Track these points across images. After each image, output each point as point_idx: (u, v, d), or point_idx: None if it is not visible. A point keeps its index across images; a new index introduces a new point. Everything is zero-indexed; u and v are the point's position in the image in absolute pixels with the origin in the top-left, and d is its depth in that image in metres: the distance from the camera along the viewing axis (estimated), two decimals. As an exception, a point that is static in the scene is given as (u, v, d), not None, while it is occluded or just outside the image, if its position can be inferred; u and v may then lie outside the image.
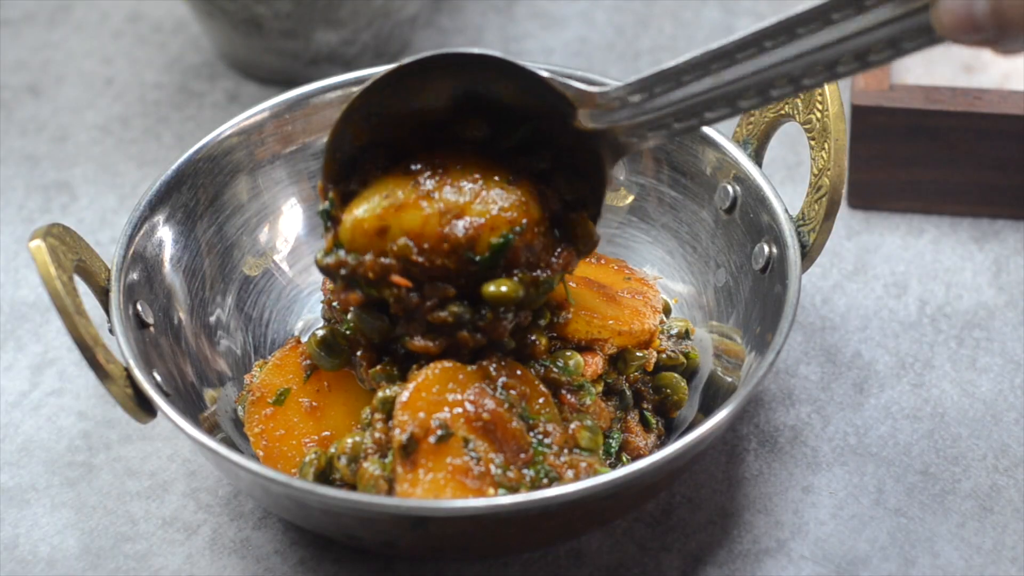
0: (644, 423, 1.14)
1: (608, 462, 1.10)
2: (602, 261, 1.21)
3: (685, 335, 1.19)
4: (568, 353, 1.11)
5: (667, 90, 1.03)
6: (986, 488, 1.15)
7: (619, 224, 1.26)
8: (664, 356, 1.17)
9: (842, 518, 1.14)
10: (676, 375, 1.16)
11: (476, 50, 1.06)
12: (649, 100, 1.04)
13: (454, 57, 1.06)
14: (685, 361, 1.17)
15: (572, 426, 1.07)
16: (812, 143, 1.13)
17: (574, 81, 1.07)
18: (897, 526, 1.13)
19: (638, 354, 1.14)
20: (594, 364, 1.11)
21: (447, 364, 1.06)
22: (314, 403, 1.12)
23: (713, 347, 1.19)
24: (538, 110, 1.08)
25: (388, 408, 1.06)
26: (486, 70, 1.07)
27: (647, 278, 1.20)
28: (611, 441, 1.12)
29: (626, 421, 1.13)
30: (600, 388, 1.12)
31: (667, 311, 1.21)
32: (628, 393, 1.14)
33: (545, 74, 1.06)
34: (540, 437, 1.06)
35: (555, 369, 1.10)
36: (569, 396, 1.09)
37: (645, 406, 1.15)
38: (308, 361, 1.13)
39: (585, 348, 1.12)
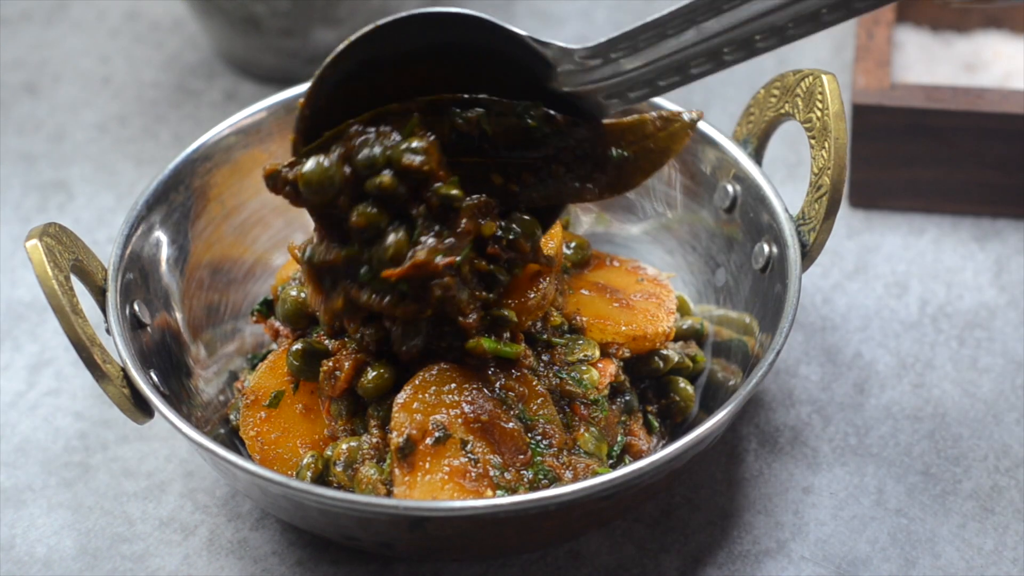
0: (647, 426, 1.14)
1: (609, 464, 1.10)
2: (615, 263, 1.20)
3: (699, 333, 1.18)
4: (584, 367, 1.10)
5: (650, 43, 1.00)
6: (987, 489, 1.15)
7: (618, 223, 1.25)
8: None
9: (842, 519, 1.14)
10: (683, 379, 1.15)
11: (453, 9, 1.03)
12: (631, 55, 1.01)
13: (431, 16, 1.03)
14: (692, 365, 1.16)
15: (579, 429, 1.07)
16: (812, 142, 1.13)
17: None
18: (898, 527, 1.13)
19: (655, 358, 1.13)
20: (608, 372, 1.11)
21: (444, 366, 1.06)
22: (309, 405, 1.11)
23: (713, 347, 1.19)
24: (513, 72, 1.05)
25: (383, 413, 1.06)
26: (462, 28, 1.04)
27: (660, 277, 1.19)
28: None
29: (629, 424, 1.13)
30: (606, 390, 1.11)
31: (685, 310, 1.20)
32: (634, 395, 1.13)
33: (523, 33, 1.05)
34: (539, 438, 1.06)
35: (570, 381, 1.09)
36: (582, 408, 1.09)
37: (650, 409, 1.15)
38: (290, 377, 1.12)
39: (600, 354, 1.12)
